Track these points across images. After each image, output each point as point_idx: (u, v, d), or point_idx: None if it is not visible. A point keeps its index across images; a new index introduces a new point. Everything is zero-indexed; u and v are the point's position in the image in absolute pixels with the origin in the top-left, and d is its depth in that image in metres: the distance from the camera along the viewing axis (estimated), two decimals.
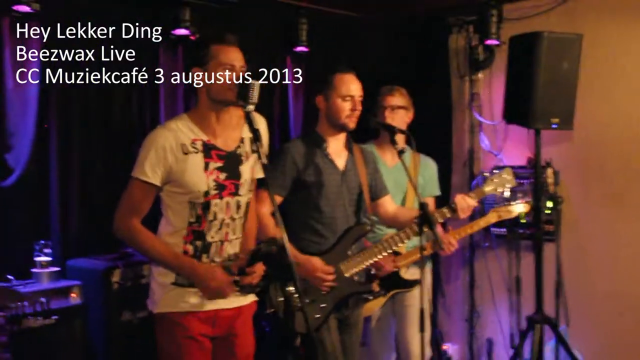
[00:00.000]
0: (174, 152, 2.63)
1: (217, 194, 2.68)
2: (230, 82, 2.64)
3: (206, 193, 2.66)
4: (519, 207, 3.92)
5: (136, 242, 2.68)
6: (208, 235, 2.70)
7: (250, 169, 2.80)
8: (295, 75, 4.80)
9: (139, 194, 2.66)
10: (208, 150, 2.69)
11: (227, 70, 2.65)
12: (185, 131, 2.68)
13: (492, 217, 3.88)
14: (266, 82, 4.55)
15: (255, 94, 2.55)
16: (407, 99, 3.88)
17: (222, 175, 2.70)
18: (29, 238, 3.51)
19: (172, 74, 4.11)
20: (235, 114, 2.79)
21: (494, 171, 3.75)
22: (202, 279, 2.65)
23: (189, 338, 2.68)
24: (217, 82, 2.65)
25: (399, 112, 3.82)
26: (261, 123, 2.79)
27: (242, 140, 2.79)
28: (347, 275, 3.24)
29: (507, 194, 3.63)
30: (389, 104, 3.83)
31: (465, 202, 3.31)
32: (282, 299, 3.02)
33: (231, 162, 2.74)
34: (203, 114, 2.73)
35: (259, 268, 2.70)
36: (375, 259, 3.32)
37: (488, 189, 3.46)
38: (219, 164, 2.70)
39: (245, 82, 2.56)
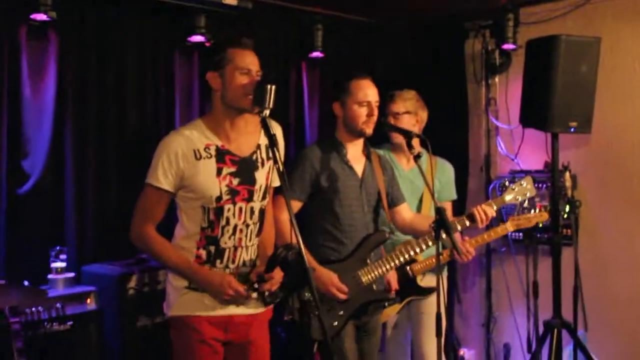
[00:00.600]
0: (186, 158, 2.63)
1: (230, 199, 2.68)
2: (245, 88, 2.63)
3: (218, 198, 2.66)
4: (538, 217, 3.88)
5: (151, 249, 2.71)
6: (221, 240, 2.70)
7: (266, 176, 2.79)
8: (311, 81, 4.80)
9: (152, 200, 2.68)
10: (221, 155, 2.69)
11: (243, 74, 2.65)
12: (199, 136, 2.68)
13: (510, 227, 3.84)
14: (282, 87, 4.57)
15: (271, 99, 2.54)
16: (412, 103, 3.82)
17: (235, 181, 2.70)
18: (44, 244, 3.52)
19: (188, 80, 4.13)
20: (252, 121, 2.79)
21: (515, 178, 3.70)
22: (216, 287, 2.64)
23: (200, 342, 2.69)
24: (233, 86, 2.65)
25: (402, 117, 3.78)
26: (277, 129, 2.78)
27: (258, 147, 2.79)
28: (365, 283, 3.22)
29: (526, 203, 3.61)
30: (390, 111, 3.80)
31: (484, 212, 3.29)
32: (299, 305, 3.03)
33: (245, 168, 2.73)
34: (217, 119, 2.73)
35: (277, 274, 2.68)
36: (394, 265, 3.30)
37: (508, 197, 3.46)
38: (232, 169, 2.70)
39: (262, 86, 2.56)
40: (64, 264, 3.47)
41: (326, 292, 3.12)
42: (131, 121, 3.91)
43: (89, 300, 3.38)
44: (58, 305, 3.24)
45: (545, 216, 3.92)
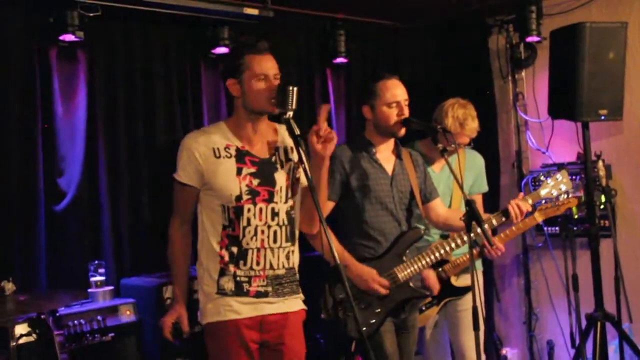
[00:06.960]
0: (205, 155, 2.68)
1: (250, 199, 2.70)
2: (265, 93, 2.67)
3: (238, 197, 2.69)
4: (566, 204, 3.82)
5: (169, 248, 2.83)
6: (243, 241, 2.71)
7: (286, 177, 2.80)
8: (336, 87, 4.82)
9: (178, 195, 2.77)
10: (241, 155, 2.73)
11: (260, 81, 2.68)
12: (219, 136, 2.73)
13: (538, 217, 3.78)
14: (307, 95, 4.59)
15: (294, 100, 2.56)
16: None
17: (255, 181, 2.72)
18: (83, 259, 3.60)
19: (214, 92, 4.19)
20: (272, 125, 2.84)
21: (550, 172, 3.63)
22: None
23: (238, 345, 2.69)
24: (253, 93, 2.69)
25: None
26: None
27: (277, 149, 2.81)
28: (402, 279, 3.22)
29: (562, 197, 3.57)
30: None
31: (518, 207, 3.27)
32: (336, 304, 3.04)
33: (265, 169, 2.75)
34: (239, 122, 2.77)
35: None
36: (430, 261, 3.28)
37: (544, 192, 3.44)
38: (252, 170, 2.73)
39: (284, 88, 2.58)
40: (103, 278, 3.55)
41: (368, 289, 3.12)
42: (160, 135, 3.98)
43: (128, 312, 3.45)
44: (99, 317, 3.31)
45: (573, 202, 3.83)
